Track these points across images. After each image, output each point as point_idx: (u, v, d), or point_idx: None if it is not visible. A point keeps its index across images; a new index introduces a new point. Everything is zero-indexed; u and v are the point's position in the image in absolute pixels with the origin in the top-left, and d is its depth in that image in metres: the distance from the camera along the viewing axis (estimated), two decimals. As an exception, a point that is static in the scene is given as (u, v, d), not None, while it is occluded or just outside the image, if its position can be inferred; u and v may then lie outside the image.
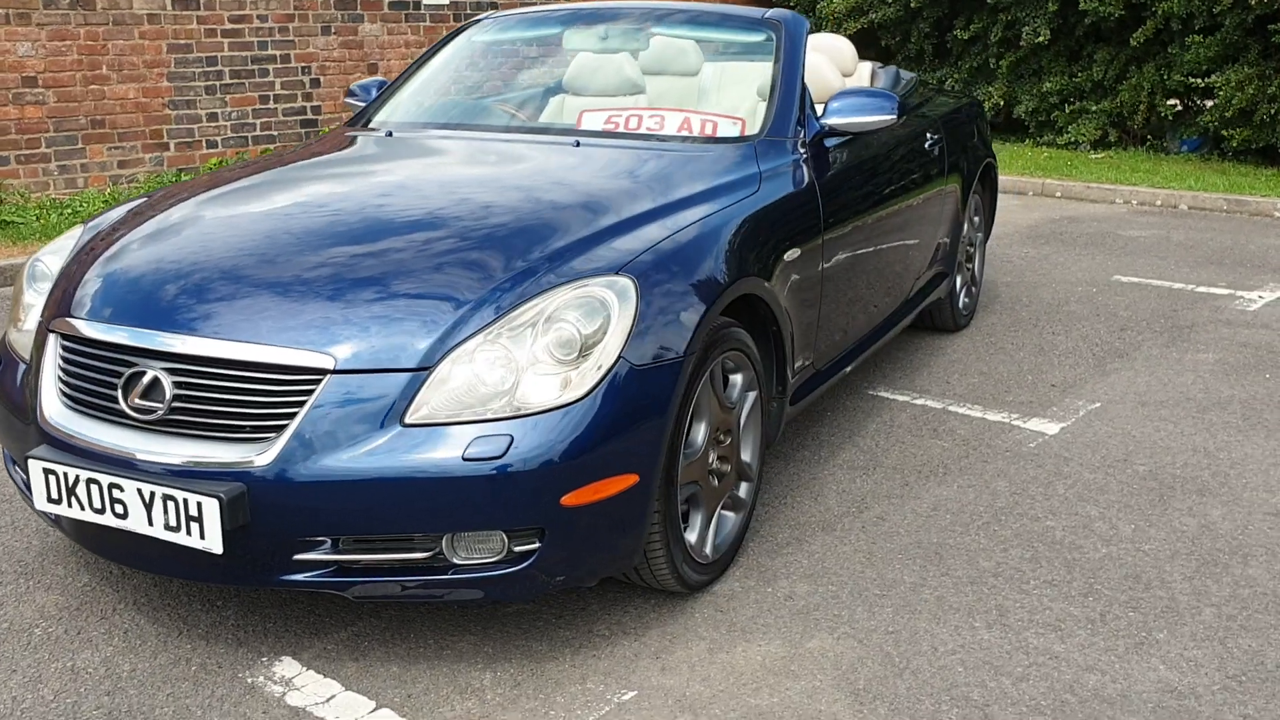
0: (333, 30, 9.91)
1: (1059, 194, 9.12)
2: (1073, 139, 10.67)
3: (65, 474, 2.55)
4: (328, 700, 2.56)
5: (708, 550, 2.98)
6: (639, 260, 2.72)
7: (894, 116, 3.65)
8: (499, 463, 2.42)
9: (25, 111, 8.36)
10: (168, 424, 2.54)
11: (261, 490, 2.42)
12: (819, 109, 3.79)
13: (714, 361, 2.87)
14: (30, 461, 2.60)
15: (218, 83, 9.34)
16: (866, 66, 4.98)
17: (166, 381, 2.54)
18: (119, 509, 2.51)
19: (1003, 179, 9.38)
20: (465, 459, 2.41)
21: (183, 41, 9.06)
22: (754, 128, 3.60)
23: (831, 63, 4.59)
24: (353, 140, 3.75)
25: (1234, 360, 4.89)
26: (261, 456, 2.44)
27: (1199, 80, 9.89)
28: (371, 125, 3.97)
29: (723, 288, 2.83)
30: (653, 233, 2.86)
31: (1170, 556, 3.18)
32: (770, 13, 4.02)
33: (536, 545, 2.51)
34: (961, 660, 2.69)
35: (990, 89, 11.20)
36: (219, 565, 2.51)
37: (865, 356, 4.09)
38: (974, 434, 4.08)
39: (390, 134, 3.75)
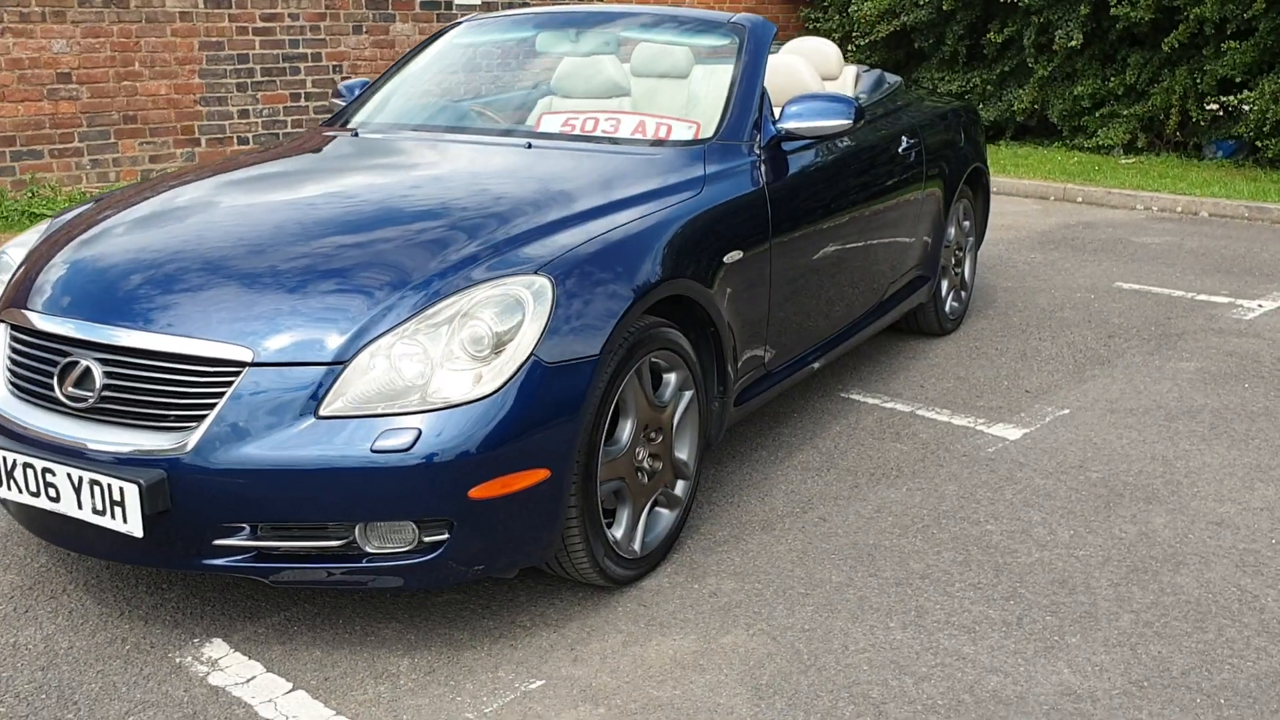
0: (364, 29, 10.07)
1: (1080, 199, 9.05)
2: (1103, 143, 10.57)
3: (5, 458, 2.68)
4: (248, 681, 2.66)
5: (636, 546, 3.05)
6: (559, 260, 2.79)
7: (849, 121, 3.68)
8: (406, 455, 2.50)
9: (59, 107, 8.60)
10: (98, 412, 2.65)
11: (181, 477, 2.53)
12: (778, 113, 3.83)
13: (640, 361, 2.93)
14: (-23, 451, 2.73)
15: (249, 80, 9.54)
16: (851, 70, 5.01)
17: (97, 371, 2.66)
18: (52, 492, 2.63)
19: (1024, 183, 9.32)
20: (374, 450, 2.50)
21: (214, 39, 9.27)
22: (708, 131, 3.65)
23: (811, 66, 4.62)
24: (320, 139, 3.86)
25: (1215, 369, 4.86)
26: (181, 445, 2.54)
27: (1232, 97, 9.74)
28: (347, 125, 4.08)
29: (646, 288, 2.90)
30: (579, 234, 2.93)
31: (1102, 563, 3.19)
32: (736, 16, 4.07)
33: (446, 536, 2.59)
34: (869, 659, 2.73)
35: (1021, 92, 11.12)
36: (141, 548, 2.62)
37: (830, 358, 4.13)
38: (936, 438, 4.10)
39: (356, 134, 3.86)
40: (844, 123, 3.69)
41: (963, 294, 5.46)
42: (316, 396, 2.55)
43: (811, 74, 4.59)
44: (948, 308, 5.27)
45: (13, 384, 2.83)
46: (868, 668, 2.70)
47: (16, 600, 3.00)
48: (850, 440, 4.08)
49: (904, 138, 4.55)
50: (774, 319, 3.64)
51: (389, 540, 2.61)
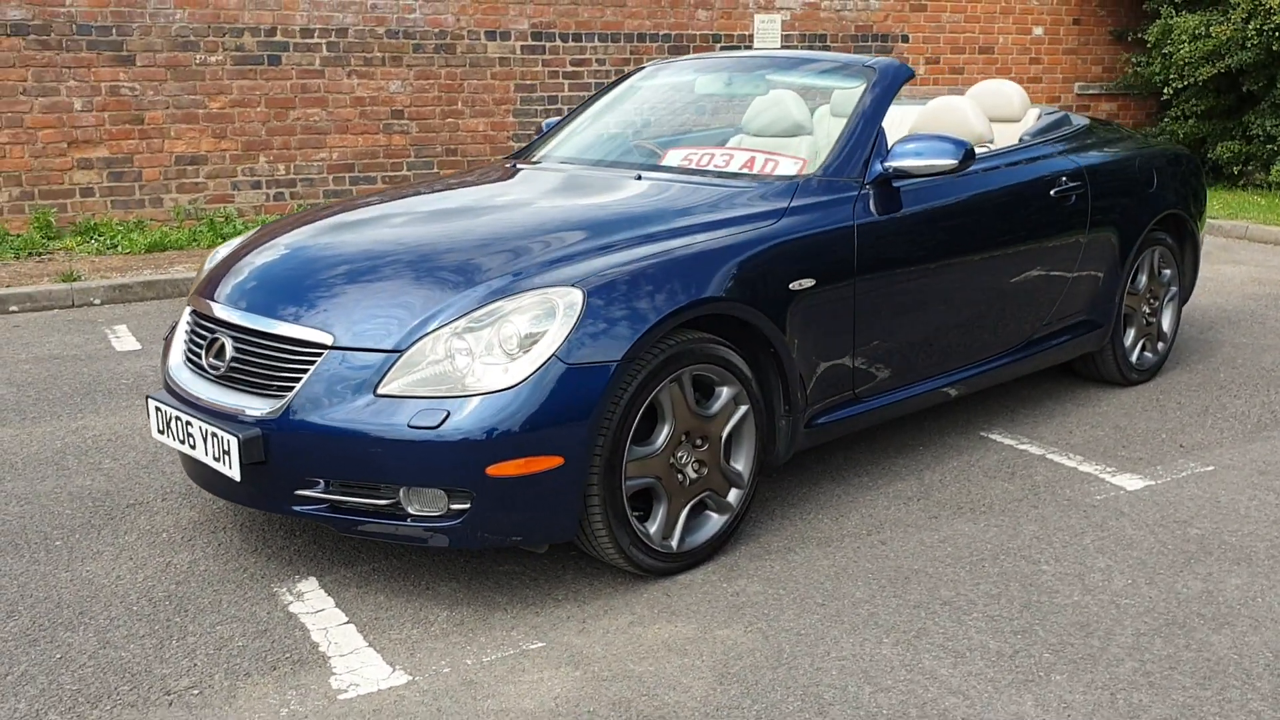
0: (663, 72, 10.73)
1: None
2: None
3: (165, 411, 3.38)
4: (317, 612, 3.20)
5: (673, 542, 3.34)
6: (595, 276, 3.16)
7: (954, 161, 3.80)
8: (434, 431, 2.96)
9: (392, 139, 9.84)
10: (227, 379, 3.30)
11: (272, 435, 3.11)
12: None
13: (678, 371, 3.23)
14: (149, 401, 3.46)
15: (557, 118, 10.45)
16: (1034, 112, 5.02)
17: (229, 346, 3.31)
18: (191, 441, 3.30)
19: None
20: (410, 426, 2.98)
21: (528, 82, 10.25)
22: (812, 167, 3.89)
23: (979, 108, 4.69)
24: (494, 170, 4.41)
25: None
26: (275, 409, 3.13)
27: None
28: (530, 157, 4.61)
29: (679, 306, 3.20)
30: (627, 255, 3.28)
31: (1141, 613, 3.14)
32: (872, 60, 4.26)
33: (469, 505, 3.02)
34: (842, 666, 2.89)
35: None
36: (245, 492, 3.23)
37: (943, 394, 4.20)
38: (1049, 481, 4.08)
39: (517, 167, 4.37)
40: (949, 162, 3.81)
41: (1159, 345, 5.27)
42: (376, 377, 3.06)
43: (978, 115, 4.67)
44: (1134, 358, 5.11)
45: (185, 355, 3.55)
46: (836, 673, 2.86)
47: (186, 531, 3.71)
48: (959, 475, 4.14)
49: (1065, 179, 4.53)
50: (863, 348, 3.81)
51: (427, 505, 3.07)
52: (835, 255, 3.67)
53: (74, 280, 7.30)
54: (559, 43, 10.28)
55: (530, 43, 10.15)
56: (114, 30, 8.63)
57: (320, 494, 3.13)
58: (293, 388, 3.14)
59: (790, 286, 3.53)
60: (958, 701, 2.74)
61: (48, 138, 8.57)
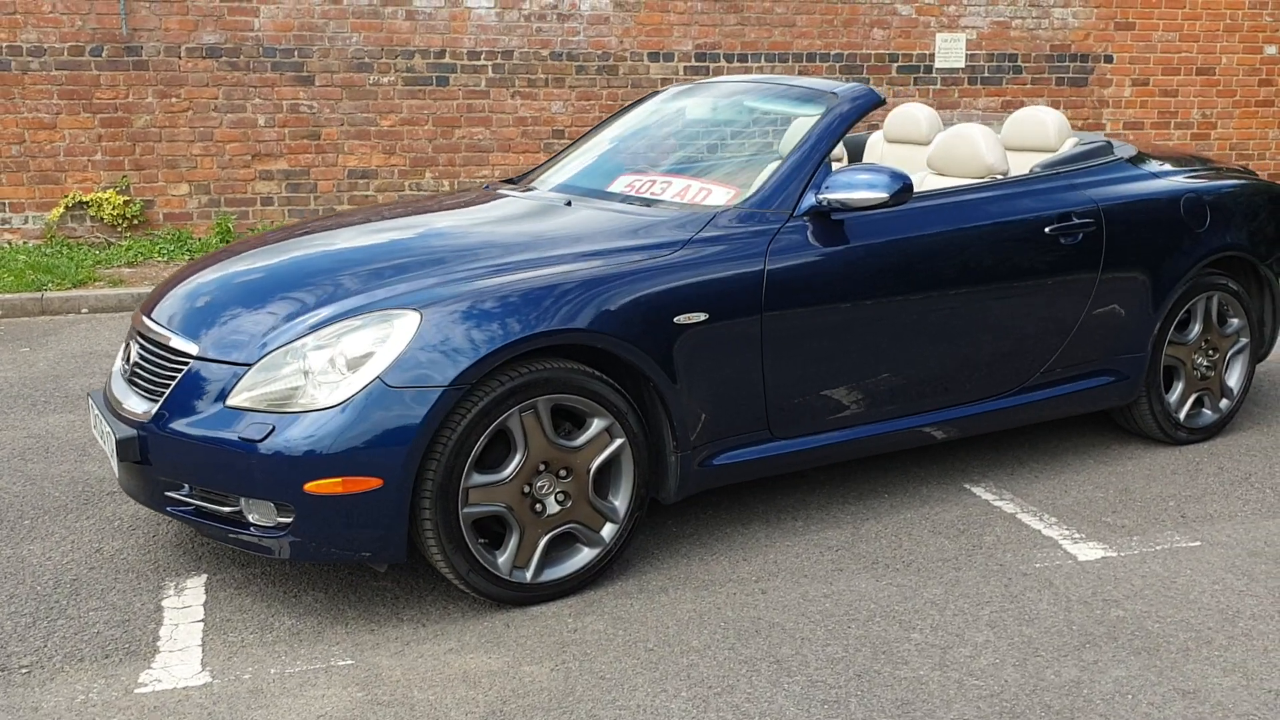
0: (834, 93, 10.51)
1: None
2: None
3: (92, 410, 3.66)
4: (182, 609, 3.37)
5: (526, 574, 3.31)
6: (434, 299, 3.19)
7: (883, 194, 3.59)
8: (258, 444, 3.08)
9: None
10: (132, 382, 3.54)
11: (146, 437, 3.31)
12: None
13: (529, 400, 3.21)
14: (89, 399, 3.75)
15: (720, 138, 10.44)
16: (1072, 140, 4.62)
17: (135, 351, 3.55)
18: (100, 439, 3.56)
19: None
20: (240, 438, 3.10)
21: (693, 101, 10.28)
22: (743, 197, 3.75)
23: (993, 138, 4.38)
24: (465, 195, 4.49)
25: None
26: (148, 412, 3.33)
27: None
28: (525, 181, 4.66)
29: (525, 335, 3.17)
30: (485, 281, 3.28)
31: (980, 698, 2.86)
32: (838, 87, 4.05)
33: (292, 519, 3.11)
34: (617, 715, 2.79)
35: None
36: (133, 488, 3.44)
37: (918, 436, 3.99)
38: (997, 543, 3.76)
39: (488, 187, 4.43)
40: (878, 195, 3.60)
41: (1222, 402, 4.72)
42: (227, 389, 3.20)
43: (990, 145, 4.36)
44: (1183, 414, 4.61)
45: (121, 360, 3.83)
46: (565, 717, 2.77)
47: (136, 522, 3.99)
48: (903, 528, 3.88)
49: (1072, 216, 4.15)
50: (780, 388, 3.64)
51: (263, 515, 3.18)
52: (736, 290, 3.53)
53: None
54: (723, 64, 10.26)
55: (694, 64, 10.19)
56: (296, 53, 9.31)
57: (185, 497, 3.31)
58: (164, 393, 3.33)
59: (676, 320, 3.42)
60: (704, 767, 2.59)
61: (234, 150, 9.33)
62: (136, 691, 2.93)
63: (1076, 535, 3.82)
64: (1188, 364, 4.61)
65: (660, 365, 3.40)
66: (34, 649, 3.14)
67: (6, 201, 8.89)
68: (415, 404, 3.07)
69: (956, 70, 10.79)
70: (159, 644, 3.17)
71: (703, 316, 3.47)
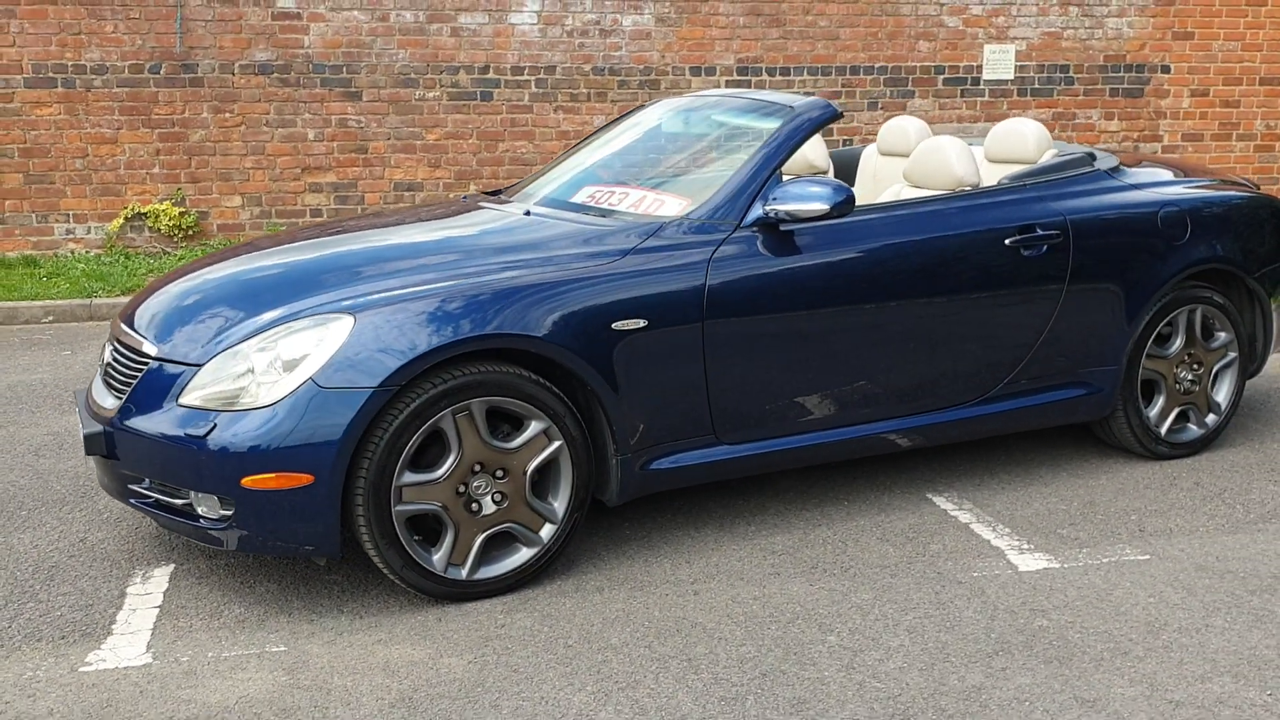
0: (879, 106, 10.53)
1: None
2: None
3: (76, 406, 3.89)
4: (143, 595, 3.56)
5: (462, 571, 3.43)
6: (369, 303, 3.33)
7: (824, 206, 3.66)
8: (198, 440, 3.25)
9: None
10: (107, 380, 3.74)
11: (111, 433, 3.51)
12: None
13: (463, 402, 3.33)
14: (75, 399, 3.98)
15: (763, 151, 10.48)
16: (1051, 153, 4.62)
17: (108, 351, 3.76)
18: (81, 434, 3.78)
19: None
20: (186, 435, 3.28)
21: (736, 115, 10.35)
22: (692, 208, 3.83)
23: (965, 151, 4.40)
24: (439, 206, 4.65)
25: None
26: (113, 409, 3.53)
27: None
28: (509, 192, 4.80)
29: (450, 340, 3.29)
30: (422, 286, 3.41)
31: (876, 699, 2.90)
32: (797, 101, 4.11)
33: (233, 512, 3.28)
34: (518, 707, 2.90)
35: None
36: (103, 482, 3.65)
37: (881, 443, 4.07)
38: (942, 552, 3.78)
39: (474, 203, 4.54)
40: (819, 207, 3.67)
41: (1208, 417, 4.66)
42: (179, 388, 3.39)
43: (961, 157, 4.39)
44: (1164, 429, 4.56)
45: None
46: (507, 712, 2.88)
47: (125, 515, 4.20)
48: (851, 535, 3.91)
49: (1036, 228, 4.15)
50: (725, 393, 3.71)
51: (209, 508, 3.35)
52: (676, 297, 3.61)
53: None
54: (765, 77, 10.32)
55: (735, 77, 10.26)
56: (344, 69, 9.60)
57: (145, 490, 3.49)
58: (127, 391, 3.52)
59: (614, 326, 3.52)
60: (587, 757, 2.68)
61: (284, 164, 9.65)
62: (80, 670, 3.11)
63: (1025, 546, 3.82)
64: (1169, 378, 4.56)
65: (597, 370, 3.50)
66: (-1, 629, 3.35)
67: (71, 213, 9.31)
68: (344, 404, 3.21)
69: (1005, 82, 10.69)
70: (114, 627, 3.36)
71: (641, 323, 3.56)
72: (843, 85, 10.49)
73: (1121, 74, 10.90)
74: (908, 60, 10.53)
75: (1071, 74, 10.81)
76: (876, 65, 10.46)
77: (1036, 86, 10.74)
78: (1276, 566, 3.66)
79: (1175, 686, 2.96)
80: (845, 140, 10.46)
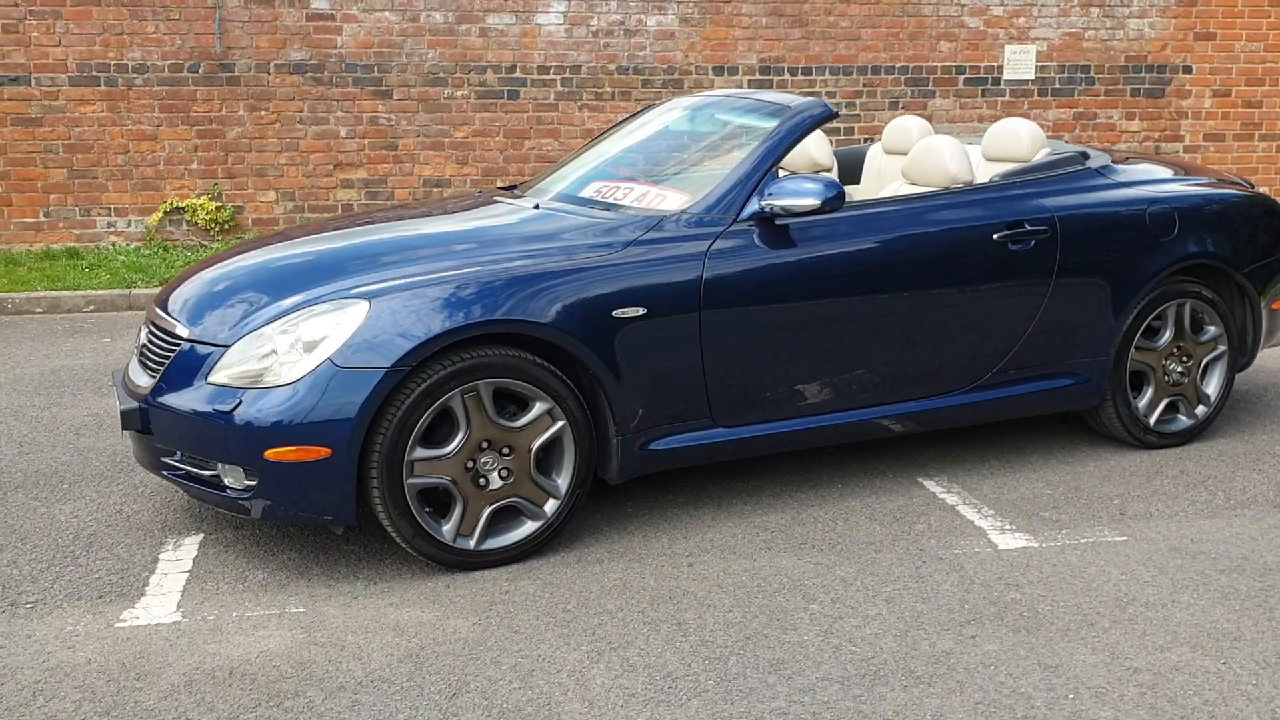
0: (900, 105, 10.69)
1: None
2: None
3: (114, 386, 4.15)
4: (174, 561, 3.82)
5: (470, 541, 3.66)
6: (384, 289, 3.57)
7: (815, 201, 3.86)
8: (226, 415, 3.50)
9: (623, 167, 10.47)
10: (141, 361, 4.00)
11: (146, 409, 3.77)
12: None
13: (471, 383, 3.56)
14: (113, 378, 4.24)
15: (785, 150, 10.67)
16: (1045, 150, 4.79)
17: (144, 334, 4.02)
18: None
19: None
20: (214, 410, 3.53)
21: (759, 114, 10.54)
22: (693, 202, 4.04)
23: (959, 149, 4.58)
24: (460, 200, 4.88)
25: None
26: (147, 387, 3.79)
27: None
28: (513, 188, 5.01)
29: (460, 324, 3.52)
30: (435, 274, 3.64)
31: (851, 661, 3.10)
32: (795, 101, 4.31)
33: (256, 483, 3.52)
34: (516, 663, 3.12)
35: None
36: (139, 457, 3.91)
37: (877, 428, 4.27)
38: (927, 531, 3.97)
39: (483, 191, 4.79)
40: (810, 202, 3.87)
41: (1198, 409, 4.82)
42: (209, 367, 3.64)
43: (955, 156, 4.57)
44: (1153, 419, 4.72)
45: (143, 342, 4.32)
46: (505, 667, 3.10)
47: (158, 488, 4.47)
48: (841, 515, 4.11)
49: (1025, 224, 4.33)
50: (721, 379, 3.92)
51: (235, 479, 3.60)
52: (675, 287, 3.82)
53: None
54: (787, 76, 10.50)
55: (758, 77, 10.45)
56: (375, 68, 9.87)
57: (177, 463, 3.75)
58: (161, 370, 3.78)
59: (615, 314, 3.74)
60: (579, 708, 2.90)
61: (317, 160, 9.94)
62: (116, 625, 3.37)
63: (1007, 527, 4.01)
64: (1158, 369, 4.72)
65: (599, 355, 3.72)
66: (42, 589, 3.61)
67: (112, 207, 9.64)
68: (360, 383, 3.45)
69: (1026, 82, 10.81)
70: (147, 589, 3.61)
71: (641, 311, 3.77)
72: (864, 85, 10.65)
73: (1143, 74, 10.99)
74: (929, 60, 10.67)
75: (1093, 74, 10.92)
76: (898, 65, 10.61)
77: (1057, 87, 10.85)
78: (1248, 548, 3.82)
79: (1135, 655, 3.14)
80: (867, 139, 10.62)
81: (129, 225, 9.69)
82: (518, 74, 10.11)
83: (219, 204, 9.68)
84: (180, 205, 9.60)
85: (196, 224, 9.62)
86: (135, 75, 9.47)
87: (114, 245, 9.56)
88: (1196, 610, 3.39)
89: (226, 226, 9.70)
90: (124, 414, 3.78)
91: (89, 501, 4.32)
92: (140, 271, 8.53)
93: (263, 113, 9.71)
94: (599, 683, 3.02)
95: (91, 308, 7.97)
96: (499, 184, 10.19)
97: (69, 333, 7.24)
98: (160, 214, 9.59)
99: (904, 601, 3.45)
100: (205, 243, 9.64)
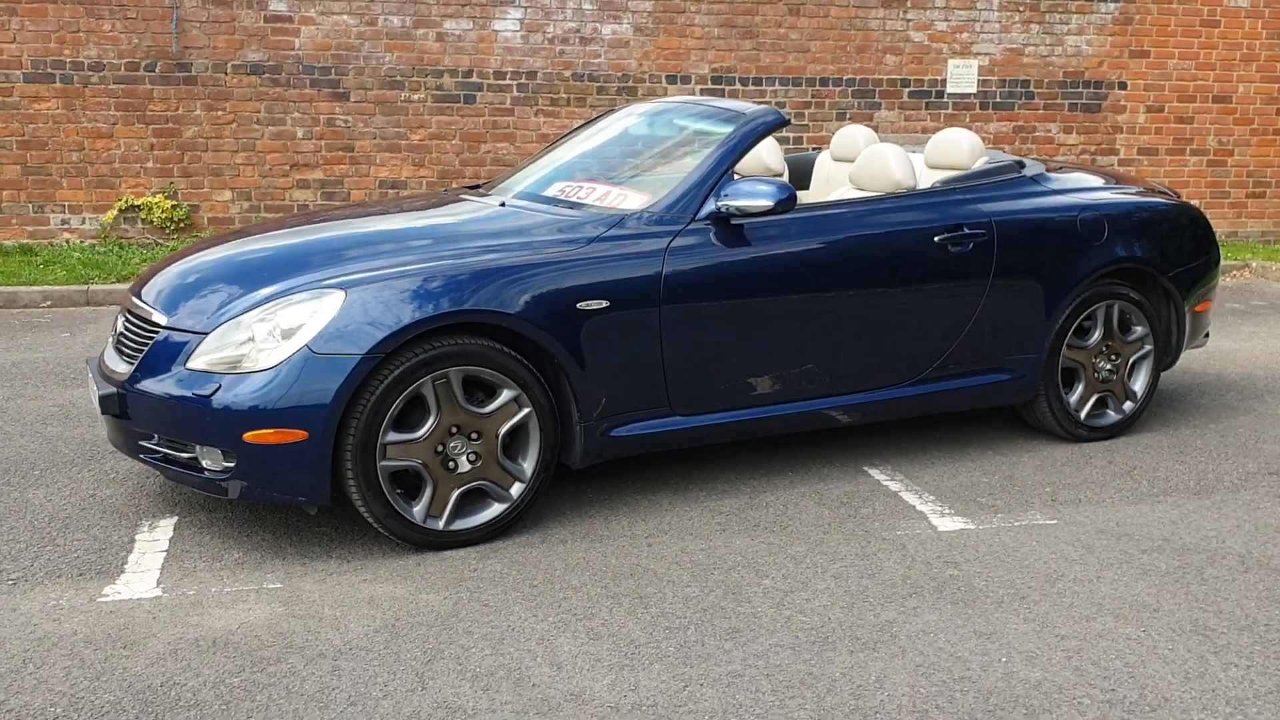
0: (847, 116, 10.98)
1: None
2: None
3: (89, 374, 4.27)
4: (151, 542, 3.95)
5: (439, 522, 3.84)
6: (358, 280, 3.74)
7: (768, 203, 4.10)
8: (205, 399, 3.65)
9: (576, 172, 10.65)
10: (118, 347, 4.13)
11: (124, 393, 3.90)
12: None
13: (442, 370, 3.74)
14: (87, 366, 4.36)
15: (736, 157, 10.92)
16: (983, 160, 5.06)
17: (120, 321, 4.15)
18: (93, 398, 4.16)
19: None
20: (193, 394, 3.68)
21: (710, 122, 10.78)
22: (652, 202, 4.25)
23: (903, 157, 4.83)
24: (430, 196, 5.07)
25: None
26: (124, 373, 3.92)
27: None
28: (483, 186, 5.20)
29: (430, 314, 3.70)
30: (407, 266, 3.82)
31: (799, 629, 3.32)
32: (749, 109, 4.54)
33: (234, 464, 3.67)
34: (487, 632, 3.30)
35: None
36: (116, 439, 4.04)
37: (821, 418, 4.48)
38: (872, 515, 4.20)
39: (448, 189, 4.98)
40: (764, 203, 4.10)
41: (1125, 404, 5.11)
42: (187, 353, 3.78)
43: (899, 163, 4.82)
44: (1083, 414, 5.00)
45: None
46: (478, 636, 3.28)
47: (133, 473, 4.59)
48: (791, 500, 4.33)
49: (964, 228, 4.59)
50: (679, 370, 4.13)
51: (213, 461, 3.74)
52: (635, 281, 4.03)
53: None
54: (739, 86, 10.76)
55: (710, 86, 10.69)
56: (333, 70, 9.98)
57: (155, 446, 3.88)
58: (139, 356, 3.91)
59: (579, 306, 3.94)
60: (549, 671, 3.09)
61: (274, 160, 10.03)
62: (99, 600, 3.50)
63: (946, 511, 4.25)
64: (1088, 367, 5.01)
65: (564, 345, 3.91)
66: (22, 567, 3.73)
67: (67, 204, 9.66)
68: (335, 369, 3.61)
69: (968, 96, 11.16)
70: (126, 567, 3.74)
71: (604, 304, 3.97)
72: (813, 96, 10.94)
73: (1080, 90, 11.39)
74: (875, 73, 10.99)
75: (1032, 89, 11.29)
76: (845, 77, 10.91)
77: (998, 100, 11.21)
78: (1169, 531, 4.10)
79: (1063, 624, 3.39)
80: (815, 148, 10.91)
81: (83, 222, 9.71)
82: (474, 79, 10.27)
83: (174, 203, 9.73)
84: (136, 203, 9.64)
85: (152, 222, 9.67)
86: (91, 73, 9.51)
87: (68, 242, 9.59)
88: (1120, 585, 3.65)
89: (182, 225, 9.75)
90: (103, 399, 3.90)
91: (61, 487, 4.43)
92: (97, 268, 8.58)
93: (219, 113, 9.78)
94: (566, 649, 3.21)
95: (48, 303, 8.02)
96: (456, 186, 10.35)
97: (26, 328, 7.30)
98: (115, 212, 9.62)
99: (850, 577, 3.68)
100: (160, 241, 9.69)
